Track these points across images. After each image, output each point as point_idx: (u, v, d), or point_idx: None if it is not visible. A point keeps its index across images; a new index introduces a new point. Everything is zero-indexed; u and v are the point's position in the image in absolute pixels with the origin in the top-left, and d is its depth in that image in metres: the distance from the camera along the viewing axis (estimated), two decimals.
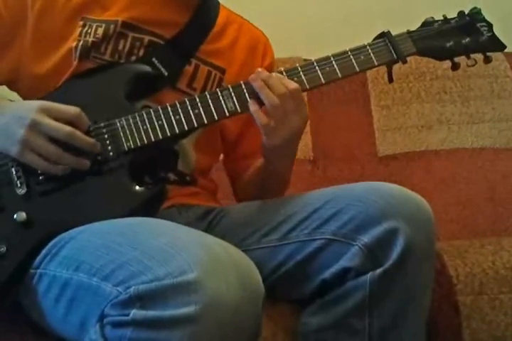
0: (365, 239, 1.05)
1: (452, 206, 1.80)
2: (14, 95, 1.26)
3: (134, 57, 1.21)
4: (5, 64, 1.21)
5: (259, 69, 1.13)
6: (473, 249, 1.37)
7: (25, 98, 1.24)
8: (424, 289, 1.08)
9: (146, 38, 1.22)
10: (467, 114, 1.90)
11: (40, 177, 1.09)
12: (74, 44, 1.19)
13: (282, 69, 1.15)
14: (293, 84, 1.12)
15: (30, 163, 1.07)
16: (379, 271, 1.04)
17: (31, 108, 1.06)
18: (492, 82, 1.92)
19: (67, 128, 1.06)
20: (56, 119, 1.06)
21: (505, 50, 1.90)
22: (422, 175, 1.85)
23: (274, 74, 1.13)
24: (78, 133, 1.07)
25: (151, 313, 0.84)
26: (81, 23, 1.20)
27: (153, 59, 1.20)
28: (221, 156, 1.42)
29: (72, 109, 1.08)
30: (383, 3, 2.07)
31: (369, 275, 1.05)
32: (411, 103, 1.90)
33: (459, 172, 1.85)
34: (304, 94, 1.86)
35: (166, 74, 1.20)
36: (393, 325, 1.06)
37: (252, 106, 1.12)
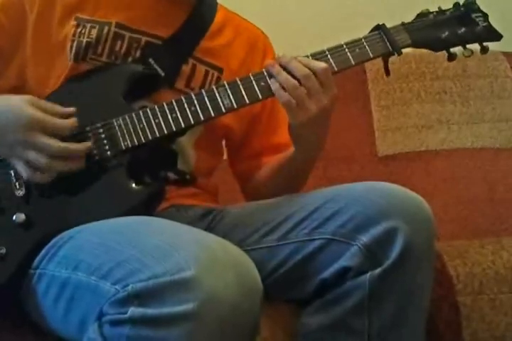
0: (365, 238, 1.05)
1: (452, 206, 1.79)
2: None
3: (130, 58, 1.21)
4: (11, 73, 1.23)
5: (280, 55, 1.13)
6: (473, 249, 1.37)
7: None
8: (424, 289, 1.08)
9: (143, 39, 1.22)
10: (467, 114, 1.90)
11: None
12: (68, 44, 1.20)
13: None
14: (320, 64, 1.10)
15: (18, 170, 1.07)
16: (378, 270, 1.04)
17: (21, 125, 1.05)
18: (492, 82, 1.92)
19: (61, 145, 1.06)
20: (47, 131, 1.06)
21: (505, 50, 1.91)
22: (422, 175, 1.84)
23: (299, 57, 1.11)
24: (72, 147, 1.07)
25: (148, 311, 0.84)
26: (75, 22, 1.21)
27: (150, 59, 1.20)
28: (224, 157, 1.42)
29: (65, 123, 1.08)
30: (383, 4, 2.07)
31: (368, 275, 1.05)
32: (411, 103, 1.90)
33: (459, 172, 1.85)
34: None
35: (162, 74, 1.20)
36: (393, 324, 1.05)
37: (273, 85, 1.11)
